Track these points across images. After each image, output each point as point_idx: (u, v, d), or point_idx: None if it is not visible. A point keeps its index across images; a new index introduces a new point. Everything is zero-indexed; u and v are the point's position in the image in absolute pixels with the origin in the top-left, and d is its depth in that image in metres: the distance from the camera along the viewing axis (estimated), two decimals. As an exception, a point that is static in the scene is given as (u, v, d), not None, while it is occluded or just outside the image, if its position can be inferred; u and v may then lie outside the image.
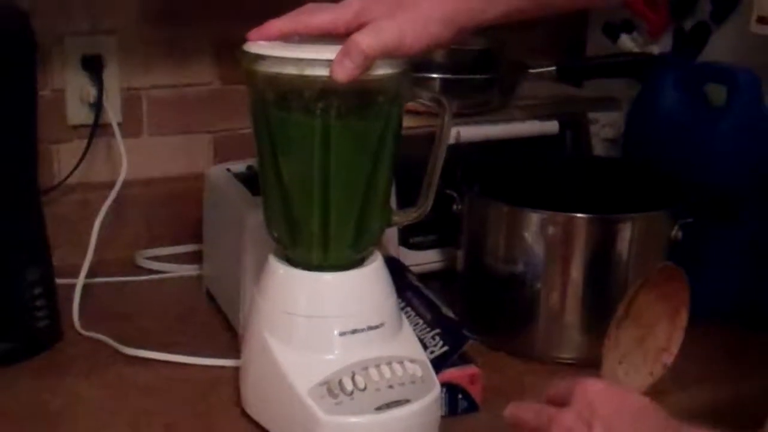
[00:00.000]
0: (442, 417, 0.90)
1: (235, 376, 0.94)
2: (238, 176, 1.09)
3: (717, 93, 1.12)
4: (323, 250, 0.86)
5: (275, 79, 0.80)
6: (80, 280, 1.10)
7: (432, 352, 0.92)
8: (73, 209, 1.22)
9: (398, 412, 0.83)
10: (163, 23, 1.23)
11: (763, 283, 1.10)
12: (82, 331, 1.05)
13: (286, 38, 0.82)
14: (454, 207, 1.10)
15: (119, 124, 1.21)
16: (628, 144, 1.24)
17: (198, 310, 1.14)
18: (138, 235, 1.28)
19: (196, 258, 1.22)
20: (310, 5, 0.83)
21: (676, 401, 0.97)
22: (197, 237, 1.20)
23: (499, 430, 0.76)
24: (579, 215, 1.02)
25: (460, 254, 1.13)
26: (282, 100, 0.82)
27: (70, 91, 1.21)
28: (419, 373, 0.86)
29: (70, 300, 1.07)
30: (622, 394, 0.69)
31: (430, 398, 0.86)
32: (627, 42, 1.37)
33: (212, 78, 1.28)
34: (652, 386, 0.95)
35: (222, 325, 1.09)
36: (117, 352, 1.01)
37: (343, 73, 0.77)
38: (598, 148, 1.30)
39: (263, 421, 0.88)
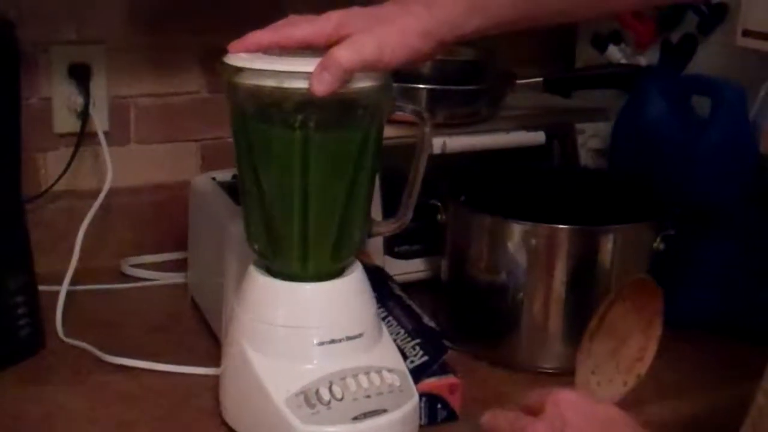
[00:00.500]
0: (422, 426, 0.90)
1: (216, 384, 0.94)
2: (223, 185, 1.10)
3: (704, 105, 1.12)
4: (303, 261, 0.86)
5: (255, 92, 0.81)
6: (64, 288, 1.10)
7: (412, 362, 0.92)
8: (58, 217, 1.23)
9: (375, 422, 0.84)
10: (150, 32, 1.24)
11: (745, 294, 1.10)
12: (65, 339, 1.05)
13: (267, 50, 0.82)
14: (439, 217, 1.11)
15: (106, 133, 1.21)
16: (614, 154, 1.24)
17: (183, 318, 1.14)
18: (124, 243, 1.28)
19: (181, 266, 1.22)
20: (291, 17, 0.84)
21: (657, 411, 0.98)
22: (183, 245, 1.20)
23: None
24: (561, 226, 1.02)
25: (444, 264, 1.13)
26: (262, 113, 0.82)
27: (57, 100, 1.21)
28: (397, 382, 0.87)
29: (54, 308, 1.08)
30: (591, 405, 0.70)
31: (407, 408, 0.86)
32: (615, 53, 1.37)
33: (199, 87, 1.29)
34: (626, 396, 0.95)
35: (206, 333, 1.09)
36: (99, 360, 1.01)
37: (322, 87, 0.77)
38: (586, 159, 1.30)
39: (241, 430, 0.88)
